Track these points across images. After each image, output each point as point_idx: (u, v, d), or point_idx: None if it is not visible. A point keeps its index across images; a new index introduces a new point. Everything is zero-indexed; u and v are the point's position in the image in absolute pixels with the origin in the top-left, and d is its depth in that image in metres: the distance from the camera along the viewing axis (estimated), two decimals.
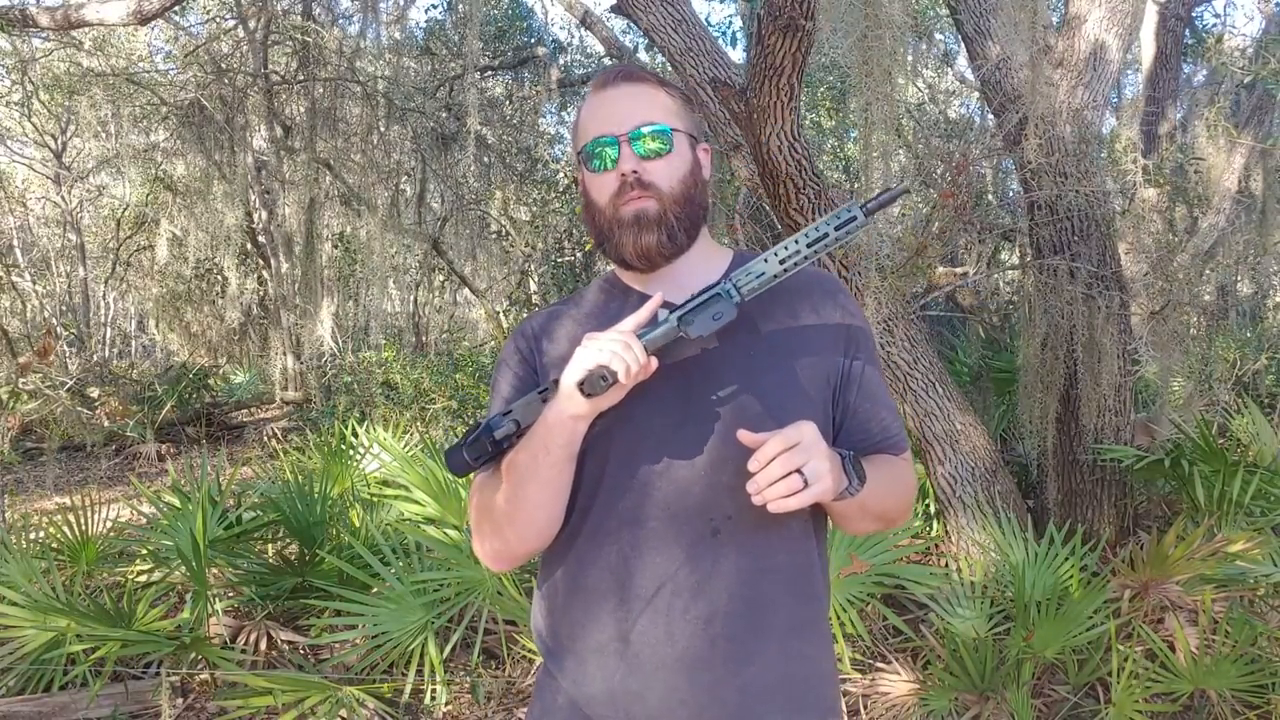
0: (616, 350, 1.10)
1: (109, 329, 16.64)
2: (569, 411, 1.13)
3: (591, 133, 1.27)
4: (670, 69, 4.40)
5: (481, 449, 1.22)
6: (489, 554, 1.29)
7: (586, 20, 7.97)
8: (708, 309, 1.16)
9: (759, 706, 1.21)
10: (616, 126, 1.24)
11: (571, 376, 1.11)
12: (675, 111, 1.28)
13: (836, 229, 1.16)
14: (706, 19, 15.27)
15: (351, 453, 4.71)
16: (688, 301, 1.17)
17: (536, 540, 1.25)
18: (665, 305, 1.21)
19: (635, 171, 1.23)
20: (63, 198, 13.30)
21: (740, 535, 1.20)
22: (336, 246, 12.11)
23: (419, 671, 3.15)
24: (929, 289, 4.53)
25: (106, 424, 9.01)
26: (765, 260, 1.18)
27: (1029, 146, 3.91)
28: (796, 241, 1.17)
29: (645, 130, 1.24)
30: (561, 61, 11.12)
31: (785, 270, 1.17)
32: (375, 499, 4.26)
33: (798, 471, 1.06)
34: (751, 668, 1.20)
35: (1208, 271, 7.90)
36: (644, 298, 1.27)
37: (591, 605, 1.23)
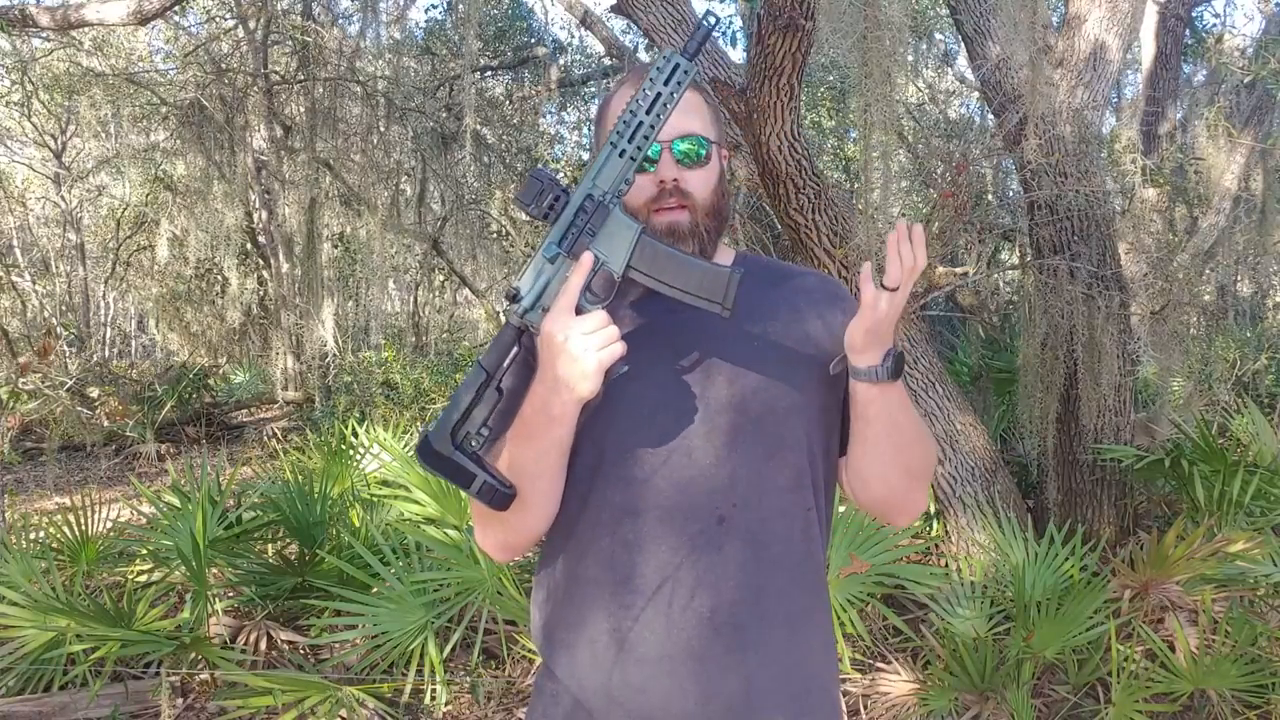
0: (609, 342, 1.09)
1: (109, 329, 16.65)
2: (575, 402, 1.13)
3: None
4: None
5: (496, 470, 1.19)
6: (496, 545, 1.28)
7: (586, 20, 7.96)
8: (618, 238, 1.13)
9: (762, 696, 1.20)
10: (661, 132, 1.22)
11: (590, 385, 1.10)
12: (710, 121, 1.29)
13: (665, 84, 1.13)
14: None
15: (351, 453, 4.71)
16: (568, 229, 1.14)
17: (545, 523, 1.25)
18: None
19: (676, 180, 1.23)
20: (63, 198, 13.30)
21: (746, 522, 1.20)
22: (336, 246, 12.11)
23: (419, 671, 3.15)
24: (929, 289, 4.52)
25: (106, 424, 9.01)
26: (619, 152, 1.14)
27: (1029, 146, 3.91)
28: (634, 114, 1.13)
29: (688, 140, 1.24)
30: (561, 61, 11.12)
31: (639, 149, 1.14)
32: (375, 499, 4.26)
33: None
34: (756, 656, 1.20)
35: (1208, 271, 7.90)
36: (648, 293, 1.26)
37: (592, 596, 1.23)
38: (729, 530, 1.20)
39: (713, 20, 1.15)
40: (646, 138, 1.14)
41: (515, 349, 1.16)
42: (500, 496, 1.16)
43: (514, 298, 1.15)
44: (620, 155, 1.14)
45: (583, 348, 1.09)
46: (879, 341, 1.13)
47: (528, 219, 11.23)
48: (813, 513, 1.26)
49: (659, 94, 1.13)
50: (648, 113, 1.13)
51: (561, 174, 10.66)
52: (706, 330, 1.24)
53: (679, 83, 1.14)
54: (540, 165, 11.17)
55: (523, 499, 1.20)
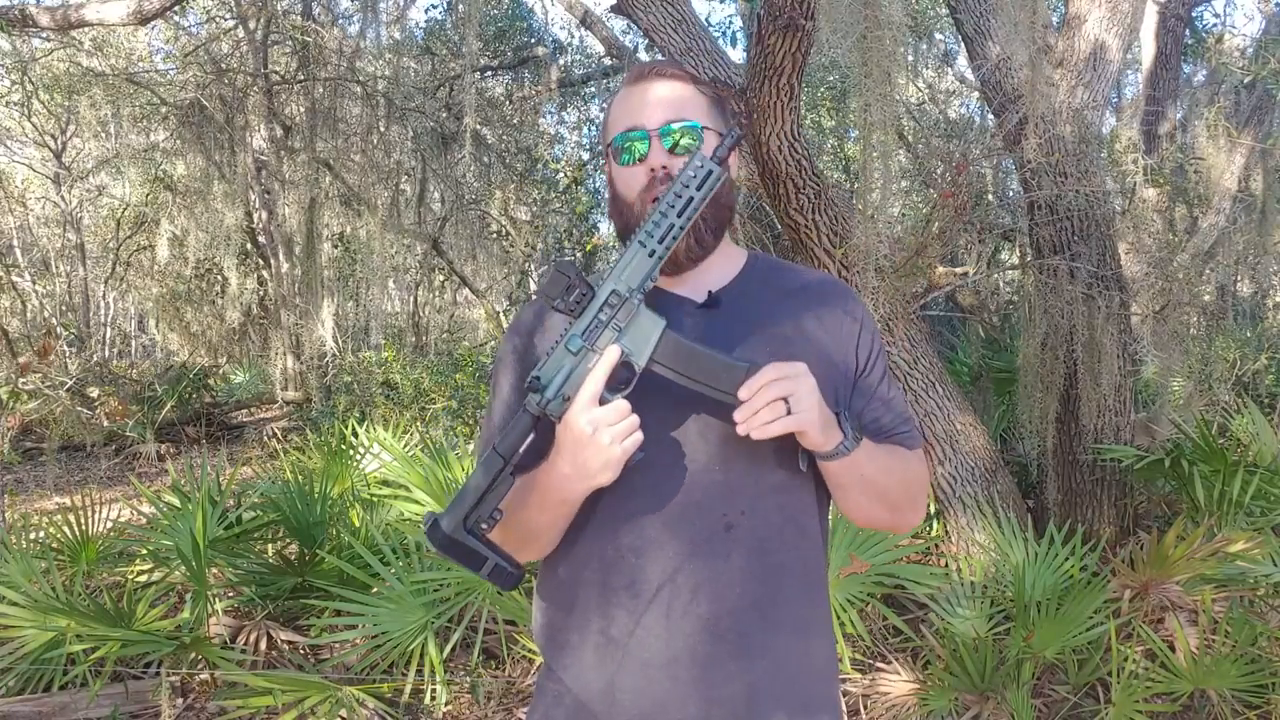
0: (630, 432, 1.12)
1: (109, 329, 16.64)
2: (592, 489, 1.16)
3: (622, 125, 1.27)
4: None
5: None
6: None
7: (586, 20, 7.96)
8: (643, 333, 1.15)
9: (766, 703, 1.21)
10: (647, 120, 1.24)
11: (611, 474, 1.13)
12: (706, 109, 1.29)
13: (699, 189, 1.15)
14: (706, 19, 15.26)
15: (351, 453, 4.70)
16: (591, 322, 1.15)
17: (544, 555, 1.30)
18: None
19: (665, 166, 1.23)
20: (63, 198, 13.29)
21: (754, 531, 1.21)
22: (336, 246, 12.11)
23: (419, 671, 3.15)
24: (929, 289, 4.52)
25: (106, 424, 9.00)
26: (648, 252, 1.15)
27: (1029, 146, 3.91)
28: (665, 215, 1.15)
29: (676, 126, 1.24)
30: (561, 61, 11.12)
31: (668, 249, 1.16)
32: (375, 499, 4.26)
33: (784, 400, 1.09)
34: (760, 663, 1.20)
35: (1208, 271, 7.90)
36: (662, 295, 1.27)
37: (595, 599, 1.24)
38: (736, 539, 1.20)
39: (741, 128, 1.18)
40: (676, 239, 1.15)
41: (531, 436, 1.19)
42: (510, 578, 1.19)
43: (535, 388, 1.17)
44: (650, 255, 1.16)
45: (609, 439, 1.11)
46: (825, 428, 1.13)
47: (528, 219, 11.23)
48: (814, 518, 1.27)
49: (691, 199, 1.15)
50: (679, 215, 1.15)
51: (561, 174, 10.66)
52: (715, 333, 1.24)
53: (710, 188, 1.15)
54: (540, 165, 11.14)
55: (528, 547, 1.24)
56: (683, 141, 1.24)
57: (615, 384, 1.15)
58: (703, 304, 1.27)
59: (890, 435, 1.30)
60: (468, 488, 1.18)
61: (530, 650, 3.46)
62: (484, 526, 1.18)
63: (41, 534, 4.12)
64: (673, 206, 1.15)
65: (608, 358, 1.14)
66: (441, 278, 14.82)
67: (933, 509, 4.28)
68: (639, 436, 1.13)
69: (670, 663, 1.19)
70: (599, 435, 1.11)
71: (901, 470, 1.27)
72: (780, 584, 1.22)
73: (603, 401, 1.13)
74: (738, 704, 1.19)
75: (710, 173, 1.15)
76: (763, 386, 1.09)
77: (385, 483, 4.47)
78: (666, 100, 1.25)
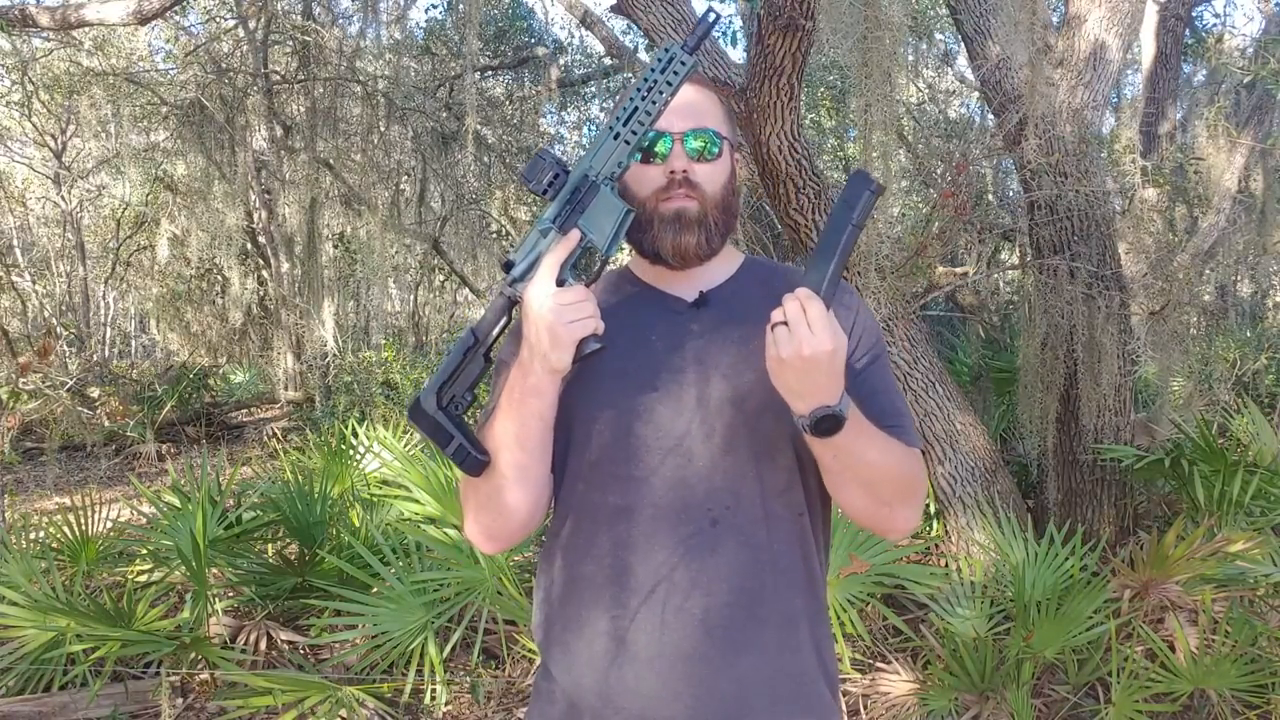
0: (591, 315, 1.12)
1: (109, 329, 16.62)
2: (550, 373, 1.15)
3: None
4: None
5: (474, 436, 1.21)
6: (482, 533, 1.29)
7: (586, 20, 7.95)
8: (603, 216, 1.16)
9: (755, 698, 1.20)
10: (671, 125, 1.25)
11: (560, 356, 1.12)
12: (723, 119, 1.31)
13: (662, 73, 1.15)
14: None
15: (351, 452, 4.70)
16: (564, 206, 1.17)
17: (528, 510, 1.25)
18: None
19: (685, 171, 1.24)
20: (63, 198, 13.29)
21: (739, 524, 1.20)
22: (337, 246, 12.11)
23: (419, 671, 3.15)
24: (929, 289, 4.52)
25: (106, 424, 9.01)
26: (614, 135, 1.17)
27: (1029, 146, 3.91)
28: (630, 100, 1.16)
29: (700, 133, 1.25)
30: (561, 61, 11.11)
31: (634, 133, 1.17)
32: (375, 499, 4.26)
33: (784, 325, 1.06)
34: (748, 657, 1.20)
35: (1208, 271, 7.90)
36: (656, 294, 1.29)
37: (589, 596, 1.23)
38: (722, 532, 1.20)
39: (713, 16, 1.17)
40: (641, 123, 1.17)
41: (506, 319, 1.20)
42: (472, 461, 1.18)
43: (507, 267, 1.18)
44: (615, 138, 1.17)
45: (557, 318, 1.11)
46: (791, 391, 1.09)
47: (528, 219, 11.23)
48: (805, 516, 1.26)
49: (654, 82, 1.16)
50: (643, 99, 1.16)
51: None
52: (704, 331, 1.25)
53: (675, 73, 1.15)
54: None
55: (504, 476, 1.21)
56: (704, 149, 1.25)
57: (580, 269, 1.16)
58: (693, 303, 1.28)
59: (888, 426, 1.26)
60: (443, 366, 1.20)
61: (530, 650, 3.46)
62: (458, 407, 1.19)
63: (41, 534, 4.12)
64: (639, 92, 1.16)
65: (567, 239, 1.15)
66: (441, 277, 14.84)
67: (933, 509, 4.28)
68: (592, 323, 1.12)
69: (661, 659, 1.19)
70: (547, 313, 1.11)
71: (896, 461, 1.21)
72: (769, 578, 1.21)
73: (563, 285, 1.14)
74: (728, 701, 1.19)
75: (673, 57, 1.15)
76: (800, 305, 1.06)
77: (385, 482, 4.46)
78: (691, 107, 1.26)
